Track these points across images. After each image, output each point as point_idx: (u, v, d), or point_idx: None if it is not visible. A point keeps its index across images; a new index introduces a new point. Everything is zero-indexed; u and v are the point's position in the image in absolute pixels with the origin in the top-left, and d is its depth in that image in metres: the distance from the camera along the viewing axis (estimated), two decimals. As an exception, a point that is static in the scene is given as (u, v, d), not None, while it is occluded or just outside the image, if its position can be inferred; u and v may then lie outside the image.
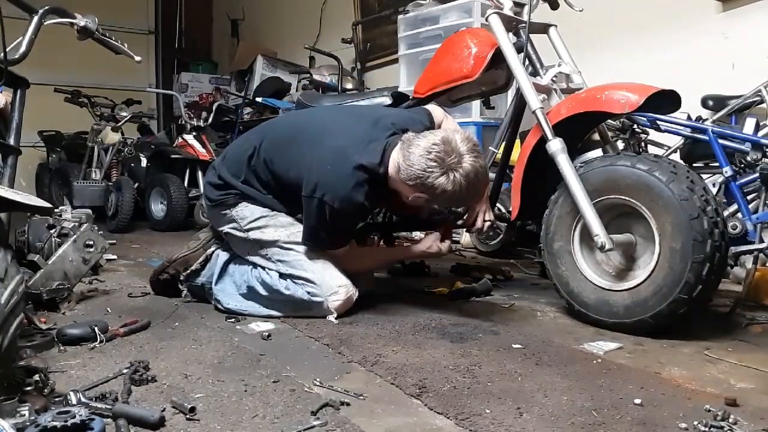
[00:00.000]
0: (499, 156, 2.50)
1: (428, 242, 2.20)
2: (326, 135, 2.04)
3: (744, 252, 2.25)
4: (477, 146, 1.92)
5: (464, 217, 2.23)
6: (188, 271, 2.25)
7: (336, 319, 2.02)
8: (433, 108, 2.35)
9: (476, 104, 3.75)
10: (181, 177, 4.73)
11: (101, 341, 1.74)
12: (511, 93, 2.64)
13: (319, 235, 2.03)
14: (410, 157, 1.88)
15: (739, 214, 2.34)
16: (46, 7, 1.82)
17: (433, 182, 1.86)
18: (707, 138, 2.50)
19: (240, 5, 7.32)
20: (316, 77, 4.84)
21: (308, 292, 2.03)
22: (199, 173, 4.72)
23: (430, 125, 2.24)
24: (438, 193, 1.88)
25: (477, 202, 2.17)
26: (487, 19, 2.27)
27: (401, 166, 1.91)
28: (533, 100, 2.10)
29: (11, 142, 1.74)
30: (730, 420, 1.25)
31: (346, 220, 2.04)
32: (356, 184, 1.94)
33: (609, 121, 2.64)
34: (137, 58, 2.13)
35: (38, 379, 1.35)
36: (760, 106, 2.80)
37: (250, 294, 2.12)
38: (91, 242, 2.30)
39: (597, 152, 2.59)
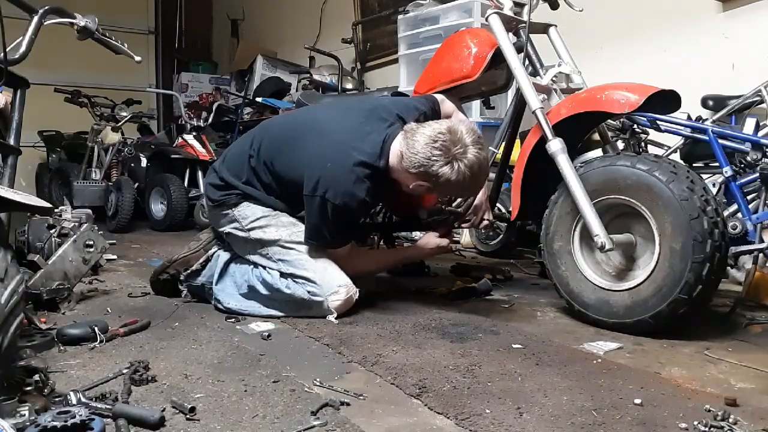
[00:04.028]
0: (499, 156, 2.50)
1: (426, 241, 2.21)
2: (324, 131, 2.04)
3: (744, 252, 2.25)
4: (481, 138, 1.93)
5: (464, 217, 2.25)
6: (188, 271, 2.25)
7: (336, 318, 2.02)
8: (443, 99, 2.35)
9: (476, 104, 3.76)
10: (181, 177, 4.73)
11: (101, 341, 1.74)
12: (511, 93, 2.64)
13: (321, 233, 2.03)
14: (415, 145, 1.89)
15: (739, 214, 2.35)
16: (46, 7, 1.82)
17: (437, 171, 1.87)
18: (707, 138, 2.50)
19: (240, 5, 7.32)
20: (316, 77, 4.84)
21: (309, 292, 2.02)
22: (199, 173, 4.72)
23: (431, 112, 2.23)
24: (441, 182, 1.89)
25: (476, 193, 2.18)
26: (487, 19, 2.27)
27: (405, 154, 1.92)
28: (533, 100, 2.10)
29: (11, 142, 1.75)
30: (730, 420, 1.25)
31: (349, 216, 2.04)
32: (357, 180, 1.94)
33: (609, 121, 2.64)
34: (137, 58, 2.13)
35: (38, 379, 1.35)
36: (760, 106, 2.80)
37: (251, 293, 2.12)
38: (91, 242, 2.30)
39: (597, 152, 2.60)
